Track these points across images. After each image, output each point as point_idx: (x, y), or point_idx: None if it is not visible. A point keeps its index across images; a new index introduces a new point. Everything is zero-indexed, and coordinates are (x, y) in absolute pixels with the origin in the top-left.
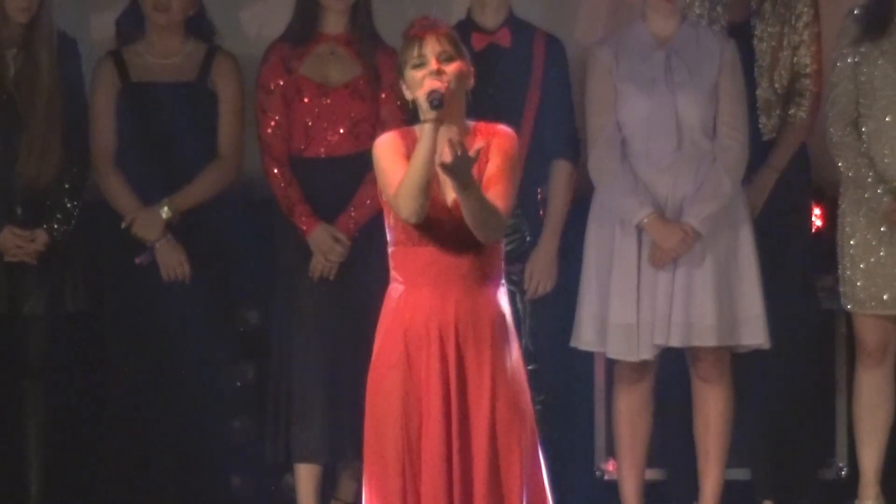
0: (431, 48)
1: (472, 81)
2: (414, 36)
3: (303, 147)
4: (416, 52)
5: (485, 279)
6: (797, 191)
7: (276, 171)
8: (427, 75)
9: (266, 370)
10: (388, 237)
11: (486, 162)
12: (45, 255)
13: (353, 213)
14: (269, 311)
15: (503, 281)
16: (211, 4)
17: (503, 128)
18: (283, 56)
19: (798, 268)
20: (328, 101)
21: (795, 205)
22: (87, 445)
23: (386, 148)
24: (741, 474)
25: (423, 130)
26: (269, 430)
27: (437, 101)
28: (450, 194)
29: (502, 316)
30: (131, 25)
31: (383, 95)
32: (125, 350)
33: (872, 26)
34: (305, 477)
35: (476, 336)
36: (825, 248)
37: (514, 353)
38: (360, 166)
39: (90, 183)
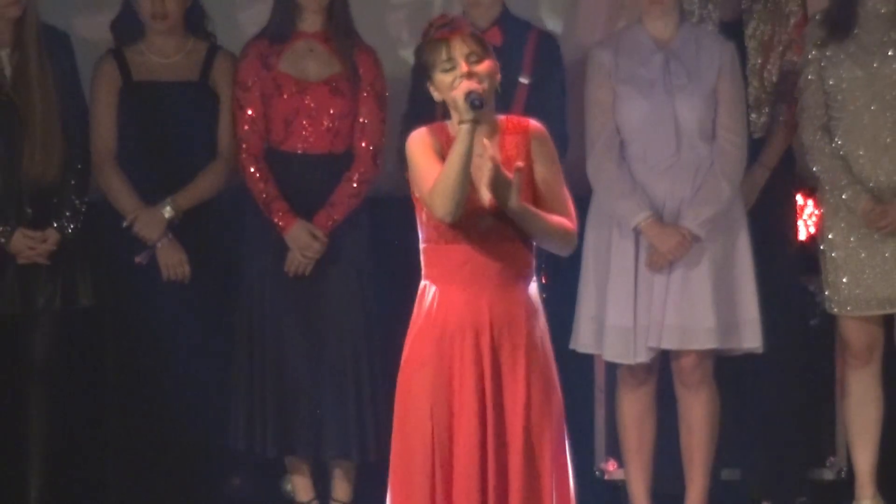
0: (459, 50)
1: (498, 78)
2: (440, 39)
3: (280, 140)
4: (444, 56)
5: (518, 276)
6: (781, 187)
7: (252, 168)
8: (459, 78)
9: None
10: (420, 234)
11: (518, 158)
12: (56, 253)
13: (330, 211)
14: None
15: (534, 277)
16: (211, 5)
17: (534, 124)
18: (260, 53)
19: (788, 264)
20: (307, 97)
21: (779, 201)
22: (87, 445)
23: (418, 144)
24: (737, 475)
25: (461, 131)
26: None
27: (479, 102)
28: (485, 193)
29: (536, 313)
30: (128, 27)
31: (364, 94)
32: (125, 349)
33: (837, 29)
34: (300, 469)
35: (511, 336)
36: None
37: (547, 350)
38: (338, 166)
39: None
